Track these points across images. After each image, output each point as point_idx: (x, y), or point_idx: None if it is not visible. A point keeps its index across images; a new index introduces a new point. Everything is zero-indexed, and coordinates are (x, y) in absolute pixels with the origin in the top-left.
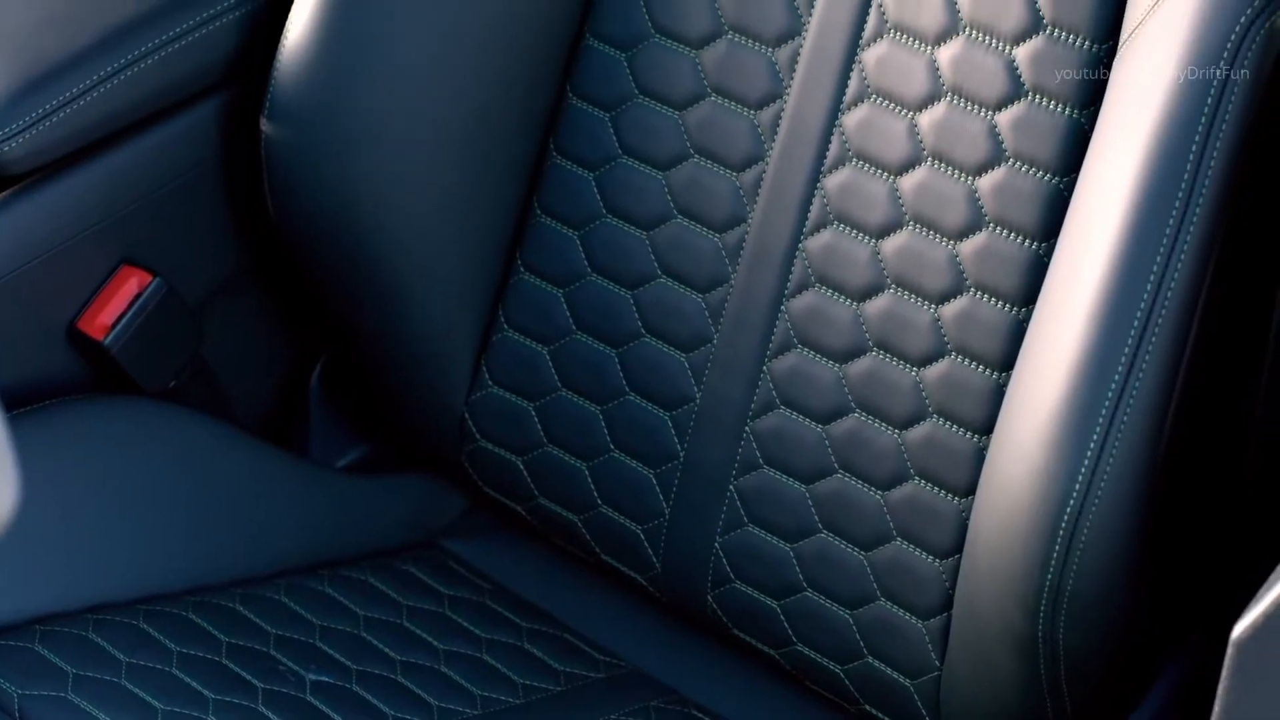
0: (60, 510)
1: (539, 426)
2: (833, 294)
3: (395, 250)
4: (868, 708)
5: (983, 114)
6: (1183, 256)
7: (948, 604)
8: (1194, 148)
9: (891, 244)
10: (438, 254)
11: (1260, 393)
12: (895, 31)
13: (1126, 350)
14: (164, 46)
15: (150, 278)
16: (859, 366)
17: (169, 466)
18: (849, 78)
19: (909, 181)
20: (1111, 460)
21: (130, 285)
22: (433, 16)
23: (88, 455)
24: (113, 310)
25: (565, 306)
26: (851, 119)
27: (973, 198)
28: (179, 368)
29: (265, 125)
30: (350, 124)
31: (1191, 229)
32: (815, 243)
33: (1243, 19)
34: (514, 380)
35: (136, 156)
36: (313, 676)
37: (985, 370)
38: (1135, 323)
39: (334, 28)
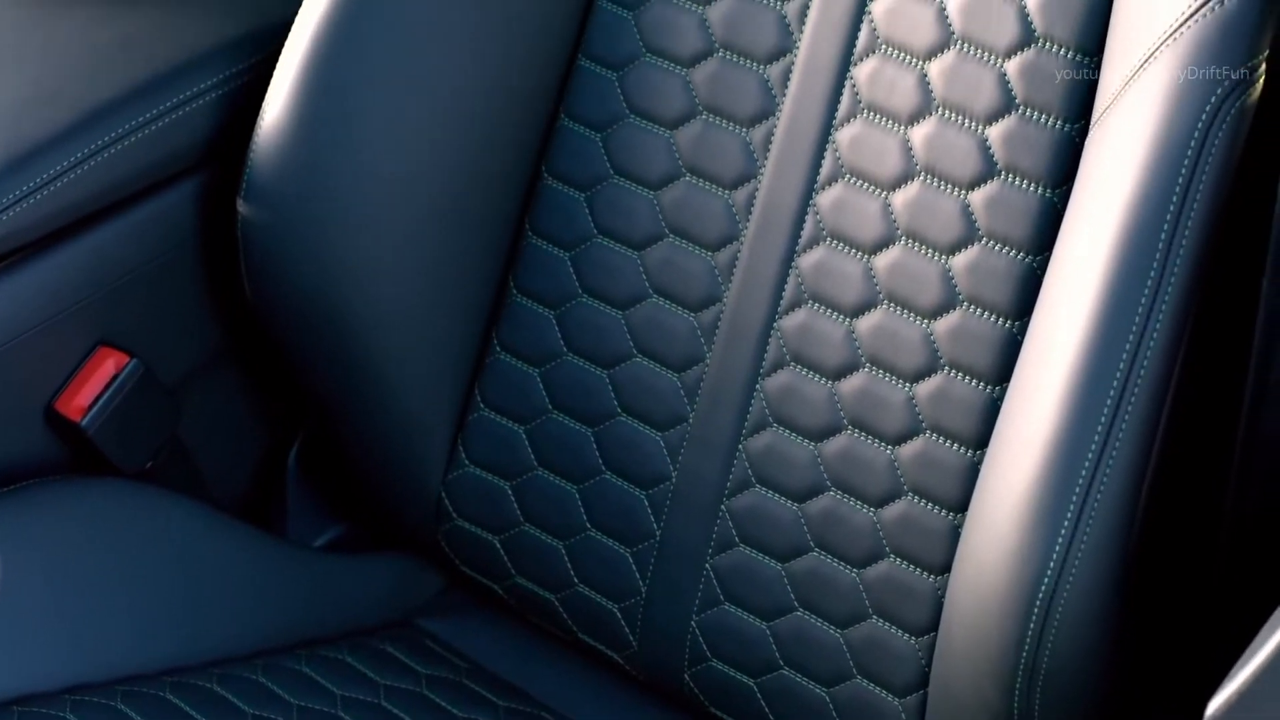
0: (38, 591)
1: (515, 506)
2: (808, 373)
3: (372, 331)
4: None
5: (956, 193)
6: (1155, 335)
7: (924, 681)
8: (1166, 226)
9: (866, 322)
10: (414, 334)
11: (1233, 468)
12: (869, 111)
13: (1100, 429)
14: (142, 128)
15: (127, 359)
16: (834, 445)
17: (146, 547)
18: (823, 157)
19: (883, 260)
20: (1085, 539)
21: (107, 366)
22: (409, 99)
23: (64, 536)
24: (90, 391)
25: (541, 385)
26: (825, 198)
27: (946, 276)
28: (156, 448)
29: (242, 207)
30: (326, 206)
31: (1164, 307)
32: (790, 321)
33: (1214, 97)
34: (490, 459)
35: (114, 237)
36: None
37: (960, 448)
38: (1108, 402)
39: (310, 110)
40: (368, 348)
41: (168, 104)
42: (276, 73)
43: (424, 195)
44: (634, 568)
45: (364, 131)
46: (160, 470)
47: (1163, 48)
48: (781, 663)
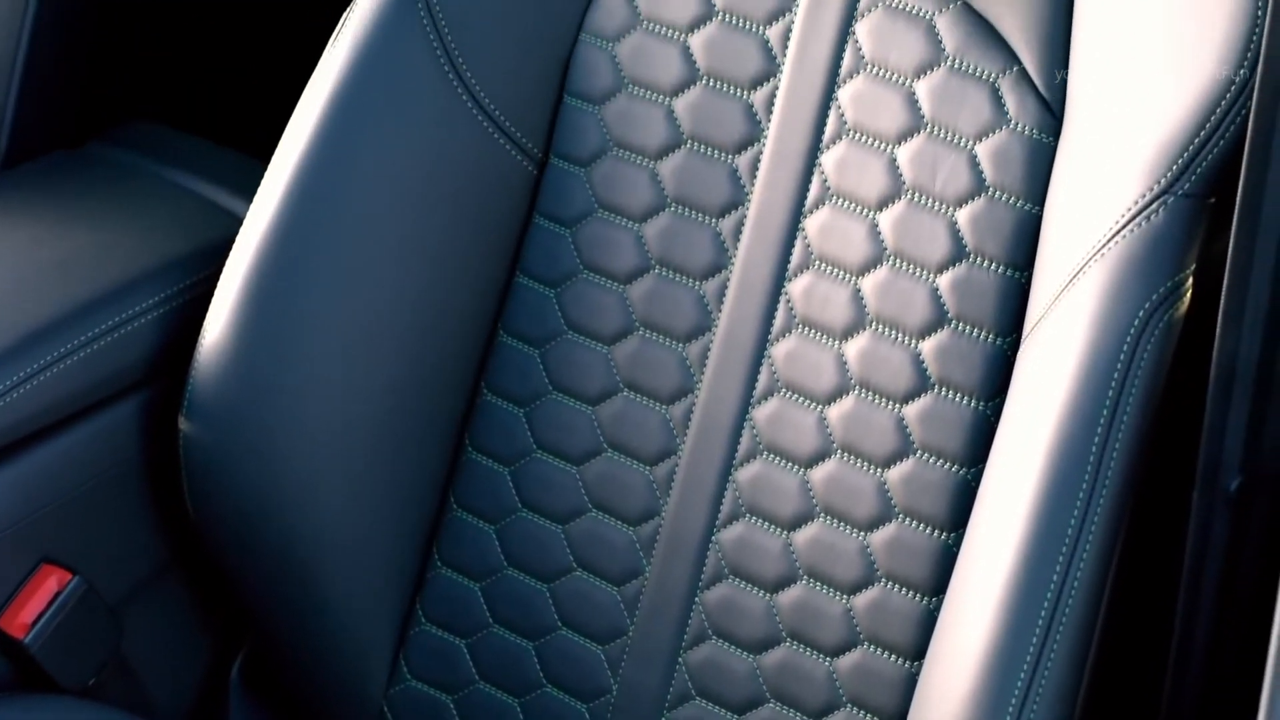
0: None
1: (458, 719)
2: (746, 586)
3: (313, 549)
4: None
5: (890, 407)
6: (1087, 548)
7: None
8: (1097, 439)
9: (803, 536)
10: (355, 551)
11: (1167, 678)
12: (803, 326)
13: (1034, 642)
14: (83, 347)
15: (70, 576)
16: (773, 657)
17: None
18: (758, 373)
19: (819, 474)
20: None
21: (50, 584)
22: (348, 321)
23: None
24: (32, 609)
25: (483, 600)
26: (761, 413)
27: (882, 489)
28: (99, 665)
29: (183, 425)
30: (267, 426)
31: (1095, 522)
32: (728, 535)
33: (1143, 311)
34: (432, 674)
35: (56, 456)
36: None
37: (897, 659)
38: (1041, 615)
39: (251, 329)
40: (309, 566)
41: (109, 323)
42: (217, 292)
43: (364, 414)
44: None
45: (304, 350)
46: (103, 687)
47: (1092, 262)
48: None
